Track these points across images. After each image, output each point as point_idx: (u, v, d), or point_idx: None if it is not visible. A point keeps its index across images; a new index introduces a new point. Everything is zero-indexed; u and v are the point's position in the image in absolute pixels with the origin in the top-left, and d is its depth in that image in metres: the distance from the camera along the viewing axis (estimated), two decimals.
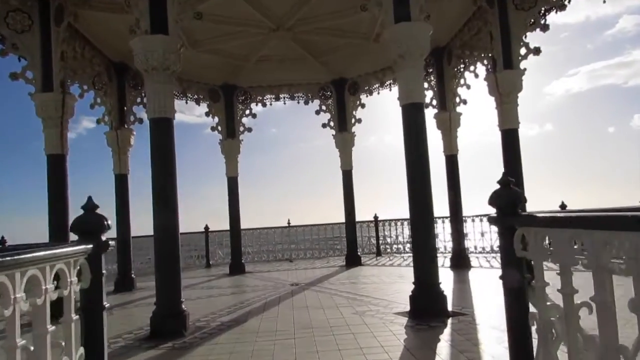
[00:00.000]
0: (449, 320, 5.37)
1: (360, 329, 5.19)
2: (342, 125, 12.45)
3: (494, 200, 2.70)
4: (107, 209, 10.43)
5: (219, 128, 12.28)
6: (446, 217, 13.45)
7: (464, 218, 14.57)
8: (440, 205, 11.31)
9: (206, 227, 14.91)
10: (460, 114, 10.65)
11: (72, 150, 7.67)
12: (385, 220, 15.17)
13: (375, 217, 15.15)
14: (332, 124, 12.69)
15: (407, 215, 14.79)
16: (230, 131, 12.22)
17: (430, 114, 10.81)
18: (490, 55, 8.52)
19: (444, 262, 11.25)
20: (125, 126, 10.24)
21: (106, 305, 2.44)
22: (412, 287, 5.88)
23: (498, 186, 2.68)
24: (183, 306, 5.53)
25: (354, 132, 12.57)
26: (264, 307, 6.79)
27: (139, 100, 10.70)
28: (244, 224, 13.23)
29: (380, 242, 14.98)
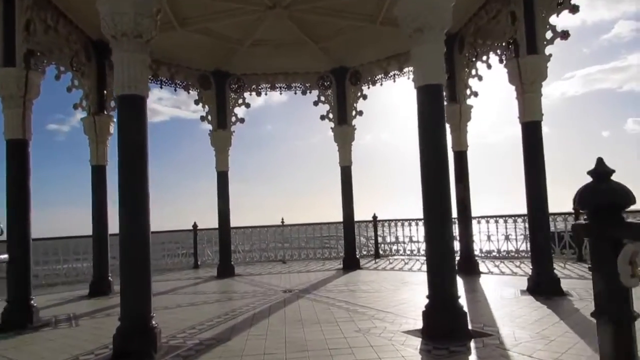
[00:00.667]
0: (472, 343, 4.50)
1: (365, 353, 4.31)
2: (342, 118, 11.56)
3: (586, 198, 1.82)
4: (87, 204, 9.54)
5: (209, 118, 11.34)
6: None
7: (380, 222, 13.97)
8: None
9: (194, 225, 13.99)
10: (471, 106, 9.78)
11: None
12: (385, 221, 14.32)
13: (374, 217, 14.29)
14: (331, 116, 11.79)
15: (406, 215, 14.15)
16: (222, 121, 11.29)
17: None
18: (504, 44, 7.70)
19: None
20: (105, 112, 9.29)
21: None
22: (421, 297, 5.02)
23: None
24: (154, 321, 4.62)
25: (354, 125, 11.68)
26: (252, 320, 5.89)
27: None
28: (235, 221, 12.38)
29: (379, 243, 14.16)
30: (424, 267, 11.38)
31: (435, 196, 5.01)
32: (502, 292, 7.31)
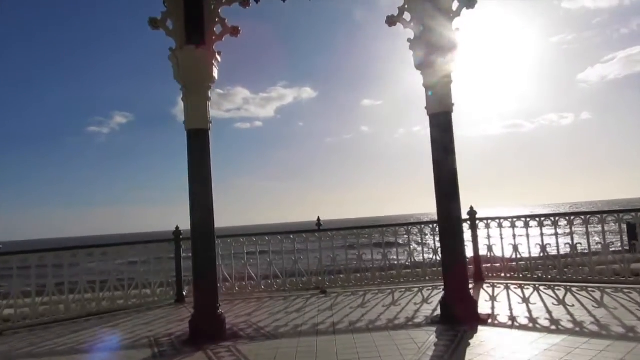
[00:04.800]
0: None
1: None
2: (436, 38, 5.72)
3: None
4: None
5: (169, 24, 5.75)
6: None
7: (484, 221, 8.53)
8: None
9: (177, 231, 8.54)
10: None
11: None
12: (489, 219, 8.44)
13: (472, 213, 8.47)
14: (407, 16, 6.01)
15: (507, 211, 7.74)
16: (194, 31, 5.67)
17: None
18: None
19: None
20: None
21: None
22: None
23: None
24: None
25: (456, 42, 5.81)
26: None
27: None
28: (239, 220, 6.90)
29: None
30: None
31: None
32: None
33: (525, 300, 6.45)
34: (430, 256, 8.52)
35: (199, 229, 5.62)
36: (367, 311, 6.44)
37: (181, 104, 5.77)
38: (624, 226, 7.41)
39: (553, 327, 4.96)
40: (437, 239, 8.55)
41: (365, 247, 8.85)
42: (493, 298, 6.74)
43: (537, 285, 7.35)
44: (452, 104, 5.73)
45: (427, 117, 5.85)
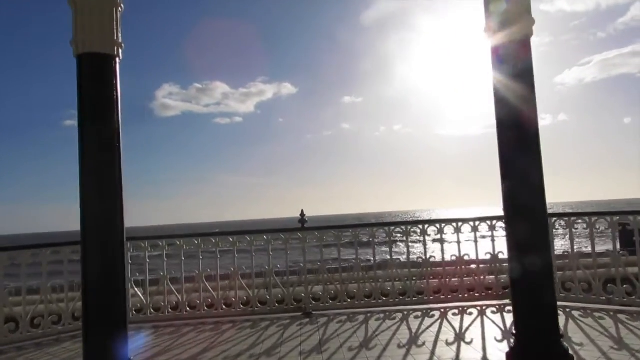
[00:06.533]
0: None
1: None
2: None
3: None
4: None
5: None
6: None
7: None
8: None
9: None
10: None
11: None
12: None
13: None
14: None
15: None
16: None
17: None
18: None
19: None
20: None
21: None
22: None
23: None
24: None
25: None
26: None
27: None
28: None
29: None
30: None
31: None
32: None
33: (618, 341, 4.21)
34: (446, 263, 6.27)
35: (93, 226, 3.21)
36: (377, 357, 4.12)
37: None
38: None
39: None
40: (460, 239, 6.36)
41: (362, 251, 6.53)
42: (564, 335, 4.47)
43: (612, 313, 5.14)
44: (532, 22, 3.41)
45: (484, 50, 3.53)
